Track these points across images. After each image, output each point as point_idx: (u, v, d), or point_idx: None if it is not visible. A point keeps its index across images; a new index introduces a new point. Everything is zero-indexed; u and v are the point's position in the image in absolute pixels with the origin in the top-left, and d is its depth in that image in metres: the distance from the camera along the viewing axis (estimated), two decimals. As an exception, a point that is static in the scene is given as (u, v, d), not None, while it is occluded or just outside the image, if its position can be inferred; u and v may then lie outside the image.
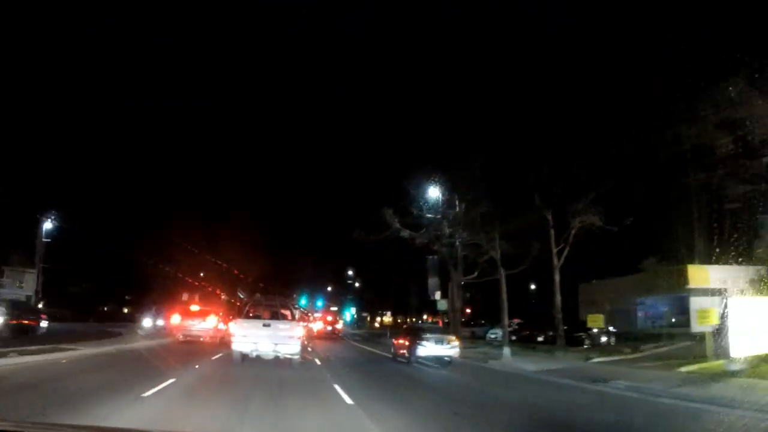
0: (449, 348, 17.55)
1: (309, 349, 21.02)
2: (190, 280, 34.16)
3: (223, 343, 20.72)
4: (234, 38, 62.78)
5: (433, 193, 26.62)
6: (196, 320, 23.21)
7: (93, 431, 4.74)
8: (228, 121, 67.61)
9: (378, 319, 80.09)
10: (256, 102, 68.75)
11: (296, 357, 14.58)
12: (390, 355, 20.73)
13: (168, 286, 40.22)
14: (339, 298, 70.01)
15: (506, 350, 19.03)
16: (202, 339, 22.17)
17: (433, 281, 27.54)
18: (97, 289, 52.76)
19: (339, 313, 63.35)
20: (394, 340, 21.46)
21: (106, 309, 56.61)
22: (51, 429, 3.75)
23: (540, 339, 26.22)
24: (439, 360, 17.55)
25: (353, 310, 71.73)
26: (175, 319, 24.62)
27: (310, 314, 45.73)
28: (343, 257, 61.48)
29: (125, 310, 56.86)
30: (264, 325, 14.67)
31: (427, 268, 27.48)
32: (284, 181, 75.61)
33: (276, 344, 14.19)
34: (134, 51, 56.12)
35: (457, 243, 25.13)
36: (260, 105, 67.85)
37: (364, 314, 77.70)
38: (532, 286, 44.34)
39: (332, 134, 72.85)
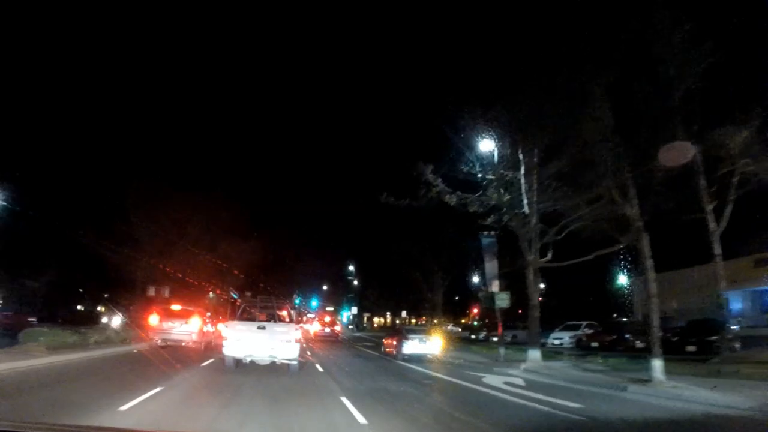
0: (431, 346, 19.69)
1: (316, 366, 16.85)
2: (179, 275, 28.76)
3: (209, 348, 19.74)
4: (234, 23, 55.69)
5: (487, 146, 19.12)
6: (177, 322, 20.00)
7: (93, 431, 4.80)
8: (223, 102, 60.51)
9: (376, 319, 74.05)
10: (251, 78, 61.95)
11: (294, 362, 13.63)
12: (380, 354, 22.78)
13: (151, 282, 33.85)
14: (336, 298, 64.65)
15: (657, 366, 11.70)
16: (184, 344, 19.57)
17: (491, 266, 20.16)
18: (67, 285, 45.77)
19: (336, 313, 58.07)
20: (384, 339, 23.88)
21: (79, 308, 51.75)
22: (51, 429, 3.85)
23: (640, 345, 19.29)
24: (421, 357, 19.18)
25: (354, 309, 65.39)
26: (153, 319, 21.17)
27: (305, 314, 42.59)
28: (343, 252, 55.95)
29: (101, 309, 50.94)
30: (259, 328, 13.72)
31: (483, 250, 20.03)
32: (281, 167, 68.79)
33: (272, 348, 13.38)
34: (133, 49, 49.17)
35: (526, 208, 17.49)
36: (255, 81, 60.91)
37: (366, 314, 71.02)
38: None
39: (340, 103, 65.58)
